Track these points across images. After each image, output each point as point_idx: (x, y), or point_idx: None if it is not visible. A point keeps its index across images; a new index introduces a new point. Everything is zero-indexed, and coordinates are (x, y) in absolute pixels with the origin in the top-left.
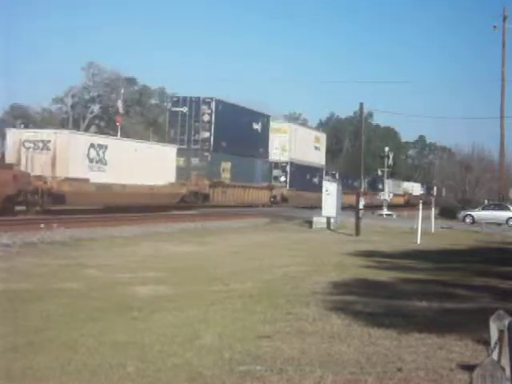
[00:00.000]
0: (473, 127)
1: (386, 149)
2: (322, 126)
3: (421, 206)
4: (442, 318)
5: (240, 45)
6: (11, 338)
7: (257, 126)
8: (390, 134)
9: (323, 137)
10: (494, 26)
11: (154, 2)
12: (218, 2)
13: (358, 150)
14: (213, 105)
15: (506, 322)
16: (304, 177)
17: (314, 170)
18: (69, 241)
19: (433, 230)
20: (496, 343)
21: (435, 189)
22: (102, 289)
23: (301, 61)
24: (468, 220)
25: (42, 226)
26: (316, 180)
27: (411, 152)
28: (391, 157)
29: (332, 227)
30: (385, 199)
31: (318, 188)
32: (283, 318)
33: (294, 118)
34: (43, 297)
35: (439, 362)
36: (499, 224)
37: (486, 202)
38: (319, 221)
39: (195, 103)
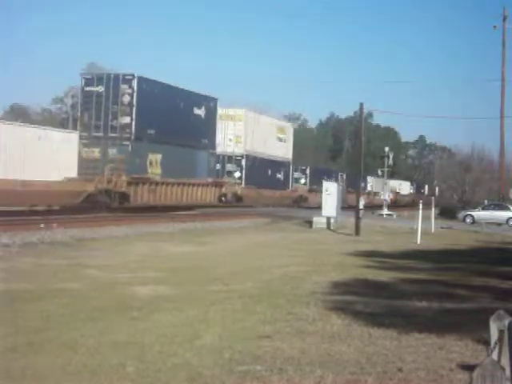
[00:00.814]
0: (473, 127)
1: (386, 149)
2: (322, 125)
3: (421, 206)
4: (442, 318)
5: (240, 45)
6: (11, 338)
7: (199, 112)
8: (390, 134)
9: (289, 128)
10: (494, 26)
11: (154, 1)
12: (218, 2)
13: (358, 150)
14: (134, 83)
15: (506, 322)
16: (265, 172)
17: (277, 165)
18: (69, 241)
19: (433, 230)
20: (496, 343)
21: (427, 188)
22: (102, 289)
23: (301, 61)
24: (468, 220)
25: (42, 225)
26: (281, 176)
27: (411, 152)
28: (391, 157)
29: (332, 227)
30: (385, 199)
31: (283, 185)
32: (283, 318)
33: (294, 118)
34: (43, 297)
35: (439, 361)
36: (499, 224)
37: (485, 202)
38: (319, 221)
39: (113, 81)
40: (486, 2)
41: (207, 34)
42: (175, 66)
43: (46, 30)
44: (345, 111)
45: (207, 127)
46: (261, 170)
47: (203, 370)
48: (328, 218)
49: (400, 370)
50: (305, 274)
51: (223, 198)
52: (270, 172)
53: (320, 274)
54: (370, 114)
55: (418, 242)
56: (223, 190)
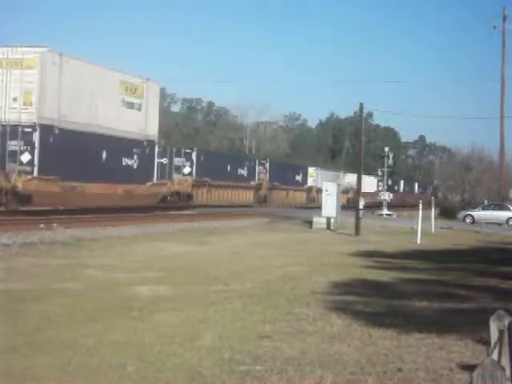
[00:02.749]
0: (473, 127)
1: (386, 149)
2: (322, 125)
3: (421, 206)
4: (443, 317)
5: (240, 45)
6: (11, 338)
7: None
8: (390, 134)
9: (150, 88)
10: (494, 26)
11: (154, 1)
12: (218, 2)
13: (358, 150)
14: None
15: (506, 322)
16: (91, 155)
17: (124, 145)
18: (69, 241)
19: (433, 230)
20: (496, 343)
21: (402, 184)
22: (102, 289)
23: (301, 61)
24: (468, 220)
25: (42, 226)
26: (133, 162)
27: (411, 152)
28: (391, 157)
29: (332, 227)
30: (385, 199)
31: (140, 176)
32: (283, 318)
33: (294, 118)
34: (43, 297)
35: (439, 361)
36: (499, 224)
37: (485, 202)
38: (319, 221)
39: None
40: (486, 2)
41: (208, 34)
42: (175, 65)
43: (47, 30)
44: (345, 111)
45: None
46: (82, 151)
47: (203, 370)
48: (328, 218)
49: (400, 369)
50: (305, 274)
51: None
52: (104, 155)
53: (320, 274)
54: (370, 114)
55: (418, 241)
56: None
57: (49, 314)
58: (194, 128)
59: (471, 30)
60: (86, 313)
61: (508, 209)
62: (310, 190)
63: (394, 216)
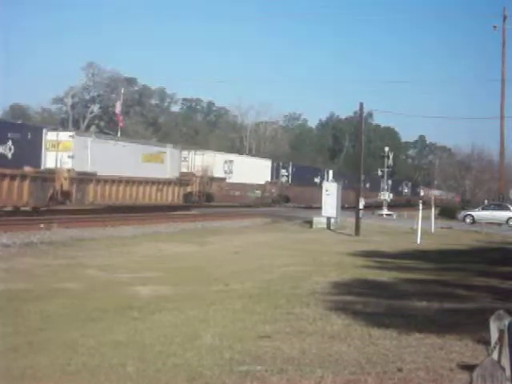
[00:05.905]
0: (473, 127)
1: (386, 149)
2: (322, 125)
3: (421, 206)
4: (442, 318)
5: (240, 45)
6: (11, 338)
7: None
8: (390, 134)
9: None
10: (494, 26)
11: (154, 1)
12: (217, 2)
13: (358, 150)
14: None
15: (506, 322)
16: None
17: None
18: (69, 241)
19: (433, 230)
20: (496, 343)
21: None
22: (102, 289)
23: (301, 61)
24: (468, 220)
25: (42, 226)
26: None
27: (411, 152)
28: (391, 157)
29: (332, 227)
30: (385, 199)
31: None
32: (283, 318)
33: (294, 118)
34: (43, 297)
35: (439, 361)
36: (499, 224)
37: (485, 201)
38: (319, 221)
39: None
40: (486, 2)
41: (207, 34)
42: (175, 65)
43: (47, 30)
44: (345, 111)
45: None
46: None
47: (203, 370)
48: (328, 218)
49: (400, 369)
50: (305, 274)
51: None
52: None
53: (320, 274)
54: (370, 114)
55: (418, 241)
56: None
57: (49, 314)
58: (194, 128)
59: (472, 30)
60: (87, 313)
61: (508, 209)
62: (48, 176)
63: (394, 216)
